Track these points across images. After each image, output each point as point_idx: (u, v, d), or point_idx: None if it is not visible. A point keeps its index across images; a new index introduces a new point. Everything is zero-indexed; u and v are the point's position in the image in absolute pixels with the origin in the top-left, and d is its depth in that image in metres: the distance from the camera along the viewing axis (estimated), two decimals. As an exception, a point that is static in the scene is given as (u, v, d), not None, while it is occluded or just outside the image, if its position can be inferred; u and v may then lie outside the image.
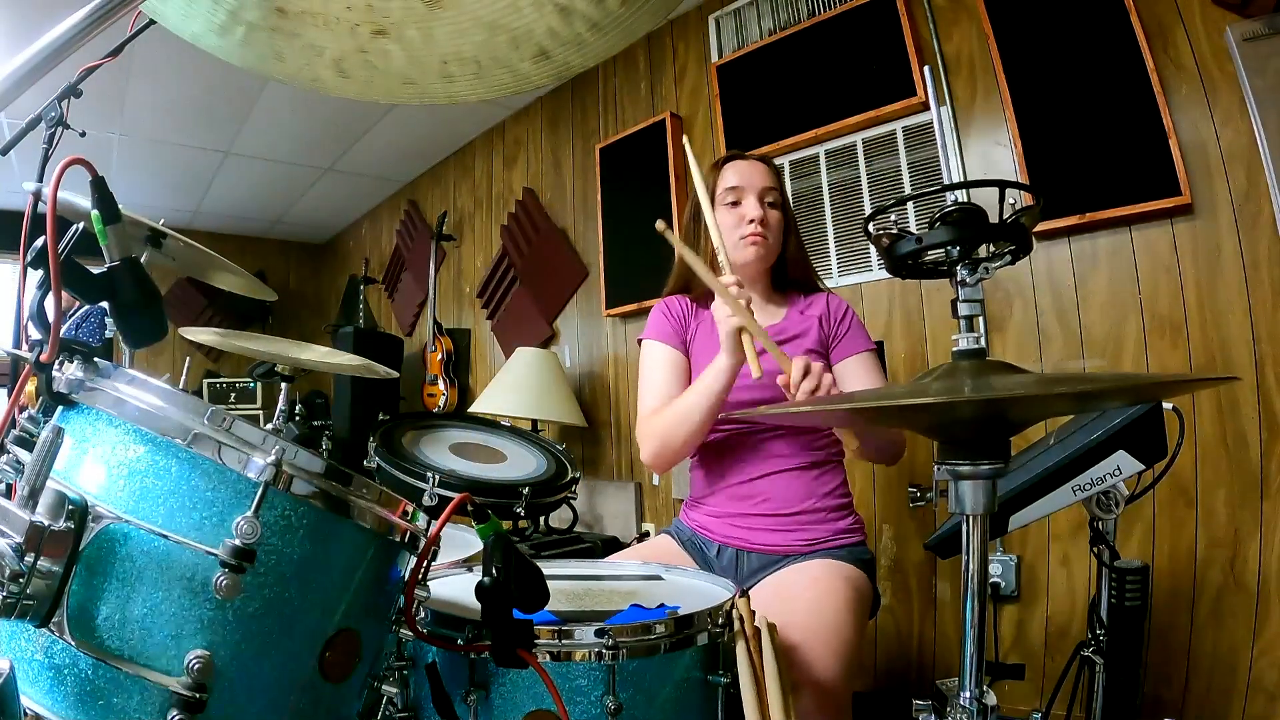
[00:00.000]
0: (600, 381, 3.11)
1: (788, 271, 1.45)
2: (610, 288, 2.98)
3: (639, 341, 1.47)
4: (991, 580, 1.87)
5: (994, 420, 0.69)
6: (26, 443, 0.66)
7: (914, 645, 2.07)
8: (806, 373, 1.10)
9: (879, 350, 1.49)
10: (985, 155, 1.99)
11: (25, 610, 0.55)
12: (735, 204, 1.37)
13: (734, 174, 1.39)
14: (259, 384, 5.08)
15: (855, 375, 1.36)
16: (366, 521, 0.71)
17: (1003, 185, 0.76)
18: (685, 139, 1.34)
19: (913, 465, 2.04)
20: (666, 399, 1.36)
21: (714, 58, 2.67)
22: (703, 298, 1.46)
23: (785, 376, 1.12)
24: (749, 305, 1.16)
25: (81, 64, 1.18)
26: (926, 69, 2.06)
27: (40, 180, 1.14)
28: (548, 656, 0.79)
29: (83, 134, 1.27)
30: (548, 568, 0.88)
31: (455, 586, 1.04)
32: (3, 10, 2.52)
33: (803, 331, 1.39)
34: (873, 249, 2.19)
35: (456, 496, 0.80)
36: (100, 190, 0.71)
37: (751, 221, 1.34)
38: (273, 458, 0.62)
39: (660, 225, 1.15)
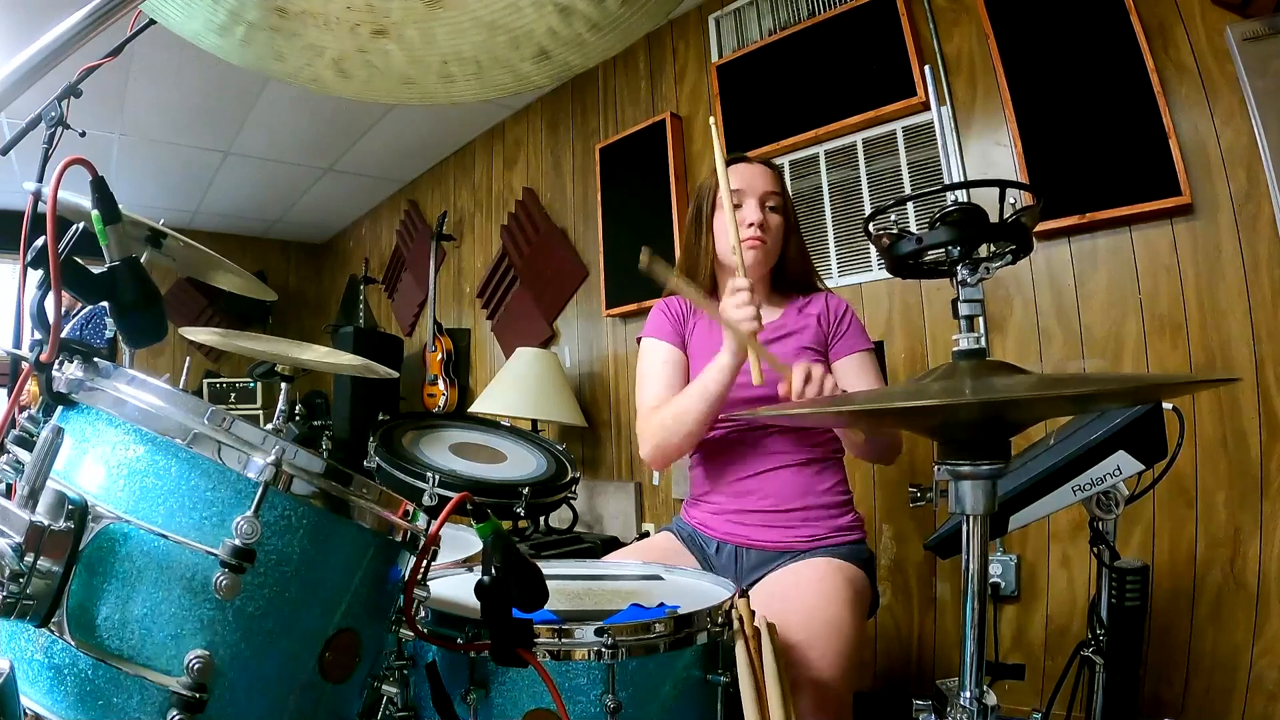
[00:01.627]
0: (600, 381, 3.11)
1: (787, 273, 1.45)
2: (610, 288, 2.98)
3: (638, 340, 1.48)
4: (991, 580, 1.87)
5: (994, 421, 0.69)
6: (26, 443, 0.66)
7: (914, 645, 2.07)
8: (808, 379, 1.10)
9: (878, 350, 1.49)
10: (985, 155, 1.99)
11: (25, 610, 0.55)
12: (736, 206, 1.38)
13: (736, 177, 1.39)
14: (259, 384, 5.08)
15: (853, 374, 1.37)
16: (366, 521, 0.71)
17: (1003, 185, 0.76)
18: (713, 120, 1.37)
19: (913, 465, 2.04)
20: (665, 397, 1.37)
21: (714, 58, 2.67)
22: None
23: (786, 385, 1.12)
24: (759, 314, 1.17)
25: (81, 64, 1.19)
26: (926, 69, 2.06)
27: (40, 180, 1.14)
28: (547, 655, 0.79)
29: (83, 134, 1.28)
30: (547, 567, 0.88)
31: (455, 586, 1.04)
32: (3, 10, 2.52)
33: (800, 328, 1.39)
34: (873, 249, 2.19)
35: (456, 496, 0.80)
36: (100, 190, 0.71)
37: (751, 225, 1.35)
38: (273, 458, 0.62)
39: (644, 259, 1.10)
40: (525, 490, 1.86)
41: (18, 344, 1.00)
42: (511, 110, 3.70)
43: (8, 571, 0.53)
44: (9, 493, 0.63)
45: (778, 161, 2.41)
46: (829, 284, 1.80)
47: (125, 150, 3.87)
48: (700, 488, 1.42)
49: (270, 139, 3.88)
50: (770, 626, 0.90)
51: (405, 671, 0.86)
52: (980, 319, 0.76)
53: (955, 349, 0.76)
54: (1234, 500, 1.59)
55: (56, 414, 0.67)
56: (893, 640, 2.11)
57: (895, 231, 0.82)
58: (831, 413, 0.94)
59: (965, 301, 0.75)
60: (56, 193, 0.66)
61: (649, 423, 1.35)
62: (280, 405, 1.90)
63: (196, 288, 5.03)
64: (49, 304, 0.66)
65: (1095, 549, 1.10)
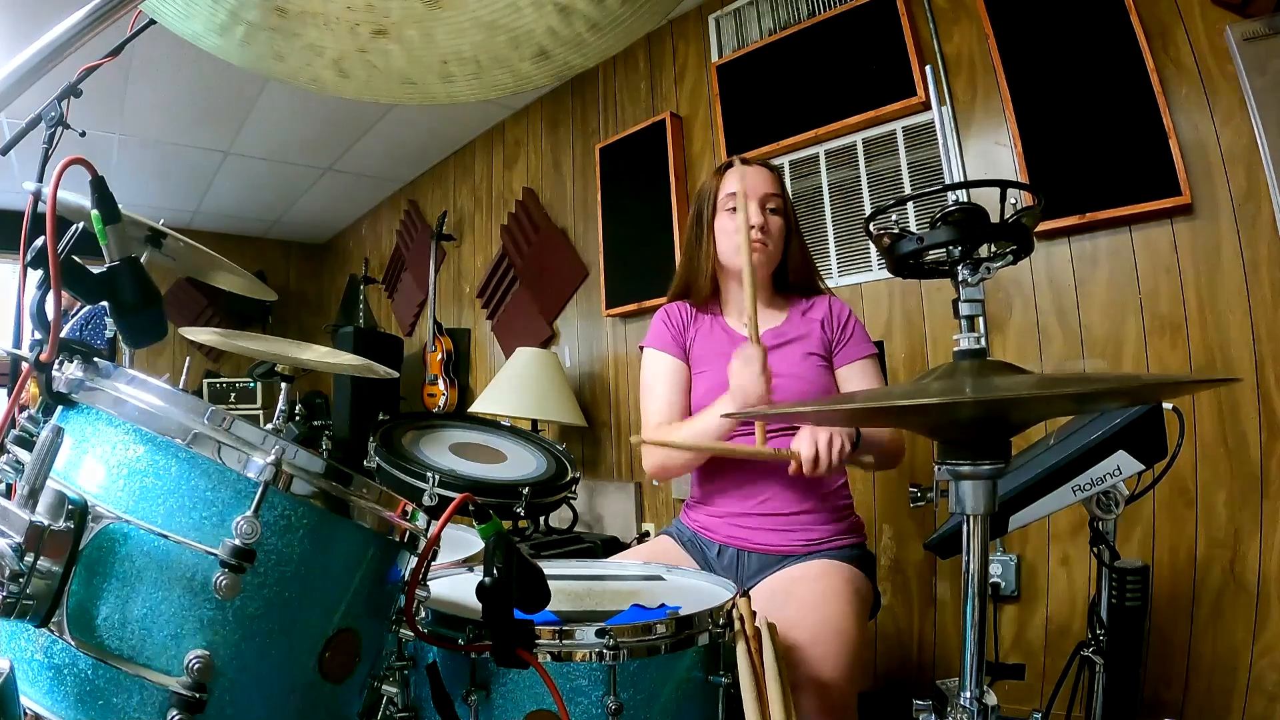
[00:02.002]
0: (600, 381, 3.11)
1: (789, 275, 1.45)
2: (610, 288, 2.98)
3: (640, 348, 1.48)
4: (991, 580, 1.87)
5: (994, 420, 0.69)
6: (26, 443, 0.66)
7: (914, 645, 2.07)
8: (815, 458, 1.14)
9: (878, 350, 1.49)
10: (985, 155, 1.99)
11: (25, 610, 0.55)
12: (737, 209, 1.38)
13: (736, 179, 1.39)
14: (259, 384, 5.07)
15: (857, 380, 1.38)
16: (366, 521, 0.71)
17: (1004, 185, 0.76)
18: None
19: (913, 465, 2.04)
20: (668, 408, 1.39)
21: (714, 58, 2.67)
22: (704, 304, 1.46)
23: (795, 466, 1.16)
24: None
25: (81, 64, 1.18)
26: (927, 69, 2.06)
27: (40, 180, 1.14)
28: (548, 657, 0.79)
29: (83, 134, 1.28)
30: (548, 567, 0.88)
31: (456, 586, 1.04)
32: (3, 10, 2.52)
33: (804, 334, 1.39)
34: (873, 249, 2.19)
35: (457, 496, 0.80)
36: (100, 190, 0.71)
37: (753, 228, 1.35)
38: (273, 457, 0.62)
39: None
40: (525, 490, 1.86)
41: (18, 344, 1.00)
42: (511, 110, 3.70)
43: (8, 571, 0.53)
44: (9, 493, 0.63)
45: (778, 162, 2.41)
46: (829, 284, 1.80)
47: (125, 150, 3.87)
48: (701, 491, 1.42)
49: (270, 139, 3.88)
50: (771, 627, 0.90)
51: (406, 672, 0.86)
52: (980, 319, 0.76)
53: (955, 349, 0.76)
54: (1234, 500, 1.58)
55: (56, 414, 0.67)
56: (893, 640, 2.11)
57: (896, 231, 0.82)
58: (833, 413, 0.94)
59: (966, 301, 0.75)
60: (56, 193, 0.66)
61: (652, 446, 1.38)
62: (280, 405, 1.91)
63: (196, 288, 5.02)
64: (49, 304, 0.66)
65: (1095, 549, 1.10)
